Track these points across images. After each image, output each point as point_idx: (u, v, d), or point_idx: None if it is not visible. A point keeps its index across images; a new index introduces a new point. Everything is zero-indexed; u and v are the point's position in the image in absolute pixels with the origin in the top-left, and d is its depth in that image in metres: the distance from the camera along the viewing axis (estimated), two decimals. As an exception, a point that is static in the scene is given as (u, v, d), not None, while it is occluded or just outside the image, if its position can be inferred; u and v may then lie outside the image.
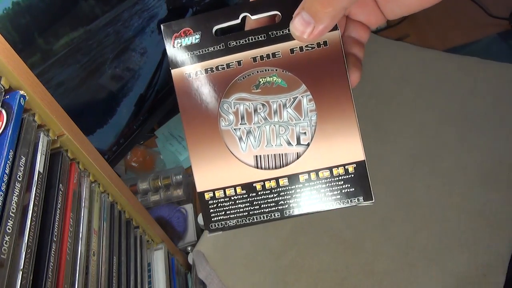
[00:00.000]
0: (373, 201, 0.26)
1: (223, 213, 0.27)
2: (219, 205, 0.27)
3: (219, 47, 0.27)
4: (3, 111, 0.34)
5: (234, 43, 0.27)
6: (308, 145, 0.26)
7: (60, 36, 0.51)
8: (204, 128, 0.27)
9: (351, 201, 0.26)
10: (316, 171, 0.26)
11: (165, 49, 0.78)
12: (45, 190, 0.38)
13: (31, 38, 0.48)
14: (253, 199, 0.27)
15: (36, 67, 0.49)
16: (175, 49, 0.27)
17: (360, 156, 0.26)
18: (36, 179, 0.36)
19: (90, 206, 0.45)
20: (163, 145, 0.90)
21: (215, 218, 0.27)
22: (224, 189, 0.27)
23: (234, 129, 0.27)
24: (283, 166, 0.26)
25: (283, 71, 0.27)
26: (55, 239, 0.37)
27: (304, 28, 0.24)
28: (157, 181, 0.81)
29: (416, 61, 0.80)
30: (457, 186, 0.62)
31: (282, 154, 0.27)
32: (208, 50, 0.27)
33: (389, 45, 0.84)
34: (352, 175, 0.26)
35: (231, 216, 0.27)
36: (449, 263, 0.55)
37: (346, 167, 0.26)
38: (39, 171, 0.37)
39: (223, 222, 0.27)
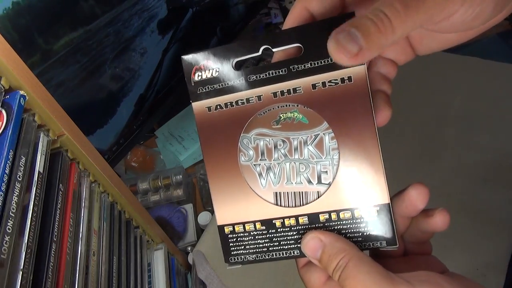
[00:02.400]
0: (397, 246, 0.25)
1: (243, 247, 0.27)
2: (238, 239, 0.27)
3: (239, 81, 0.26)
4: (3, 111, 0.34)
5: (254, 77, 0.26)
6: (329, 184, 0.26)
7: (60, 36, 0.51)
8: (224, 162, 0.27)
9: (373, 244, 0.25)
10: (337, 212, 0.25)
11: (165, 49, 0.78)
12: (45, 190, 0.38)
13: (31, 38, 0.48)
14: (272, 235, 0.26)
15: (36, 67, 0.49)
16: (195, 81, 0.27)
17: (384, 199, 0.25)
18: (36, 179, 0.36)
19: (90, 206, 0.45)
20: (163, 145, 0.90)
21: (235, 252, 0.27)
22: (243, 224, 0.27)
23: (254, 164, 0.27)
24: (303, 205, 0.26)
25: (304, 107, 0.26)
26: (55, 239, 0.37)
27: (350, 46, 0.20)
28: (157, 181, 0.80)
29: (416, 61, 0.80)
30: (457, 186, 0.62)
31: (302, 192, 0.26)
32: (227, 84, 0.26)
33: (389, 45, 0.83)
34: (375, 218, 0.25)
35: (250, 251, 0.27)
36: (449, 263, 0.55)
37: (368, 209, 0.25)
38: (39, 171, 0.37)
39: (242, 256, 0.27)
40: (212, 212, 0.76)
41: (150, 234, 0.60)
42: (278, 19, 1.06)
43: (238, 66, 0.27)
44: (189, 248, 0.73)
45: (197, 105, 0.27)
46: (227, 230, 0.27)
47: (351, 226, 0.25)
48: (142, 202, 0.77)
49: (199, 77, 0.27)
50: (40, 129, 0.39)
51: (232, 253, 0.27)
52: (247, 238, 0.27)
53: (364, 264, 0.23)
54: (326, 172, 0.26)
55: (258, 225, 0.27)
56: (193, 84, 0.27)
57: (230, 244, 0.27)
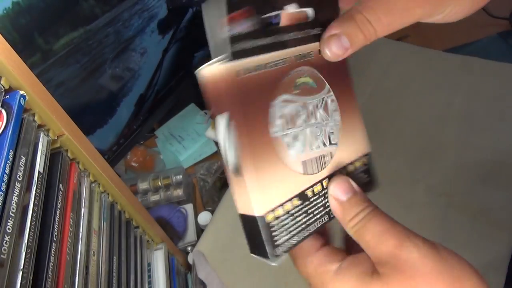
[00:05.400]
0: (378, 186, 0.28)
1: (285, 232, 0.24)
2: (280, 224, 0.23)
3: (270, 40, 0.23)
4: (3, 111, 0.34)
5: (287, 36, 0.24)
6: (336, 144, 0.27)
7: (60, 36, 0.51)
8: (256, 138, 0.23)
9: (369, 189, 0.28)
10: (346, 167, 0.27)
11: (165, 49, 0.77)
12: (45, 190, 0.38)
13: (31, 38, 0.48)
14: (307, 208, 0.25)
15: (36, 67, 0.49)
16: (227, 34, 0.21)
17: (368, 147, 0.28)
18: (36, 179, 0.36)
19: (90, 206, 0.45)
20: (163, 145, 0.89)
21: (279, 241, 0.23)
22: (282, 205, 0.24)
23: (283, 135, 0.24)
24: (323, 168, 0.26)
25: (314, 71, 0.26)
26: (55, 239, 0.37)
27: (341, 52, 0.25)
28: (157, 181, 0.80)
29: (416, 61, 0.80)
30: (457, 186, 0.62)
31: (320, 156, 0.26)
32: (262, 41, 0.23)
33: (389, 45, 0.83)
34: (366, 166, 0.28)
35: (293, 232, 0.24)
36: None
37: (362, 159, 0.28)
38: (39, 171, 0.37)
39: (286, 243, 0.24)
40: (212, 212, 0.76)
41: (150, 234, 0.60)
42: (278, 19, 1.06)
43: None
44: (189, 248, 0.73)
45: (227, 69, 0.21)
46: (269, 218, 0.23)
47: (356, 177, 0.27)
48: (142, 202, 0.77)
49: (234, 30, 0.22)
50: (40, 129, 0.39)
51: (276, 243, 0.23)
52: (287, 220, 0.24)
53: (385, 216, 0.24)
54: (333, 133, 0.27)
55: (295, 201, 0.24)
56: (222, 38, 0.21)
57: (273, 234, 0.23)
